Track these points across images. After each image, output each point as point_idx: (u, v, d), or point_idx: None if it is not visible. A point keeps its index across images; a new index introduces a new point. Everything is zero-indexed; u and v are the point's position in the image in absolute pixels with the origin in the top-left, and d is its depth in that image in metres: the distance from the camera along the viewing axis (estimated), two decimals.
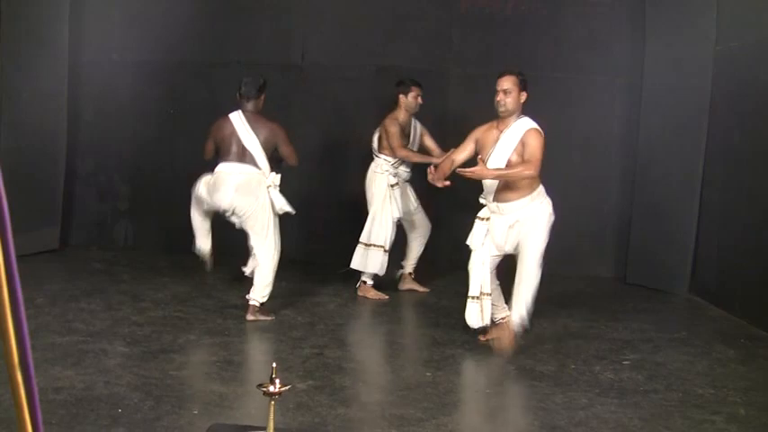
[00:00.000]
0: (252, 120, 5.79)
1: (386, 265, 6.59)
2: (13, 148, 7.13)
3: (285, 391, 2.70)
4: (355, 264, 6.61)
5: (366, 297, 6.62)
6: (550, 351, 5.34)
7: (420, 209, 6.93)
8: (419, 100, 6.69)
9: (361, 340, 5.43)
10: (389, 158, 6.69)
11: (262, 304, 5.76)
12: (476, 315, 5.30)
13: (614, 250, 8.00)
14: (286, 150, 5.85)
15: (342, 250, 6.83)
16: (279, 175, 5.80)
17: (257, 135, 5.76)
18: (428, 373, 4.79)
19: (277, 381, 2.67)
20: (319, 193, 8.04)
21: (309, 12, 8.14)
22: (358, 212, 7.54)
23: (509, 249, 5.25)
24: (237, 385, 4.34)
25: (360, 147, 7.71)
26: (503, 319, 5.42)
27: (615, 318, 6.33)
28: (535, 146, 5.04)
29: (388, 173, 6.68)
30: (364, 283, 6.69)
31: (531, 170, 5.00)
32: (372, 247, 6.57)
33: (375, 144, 6.80)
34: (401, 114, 6.69)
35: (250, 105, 5.82)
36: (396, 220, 6.65)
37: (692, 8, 7.09)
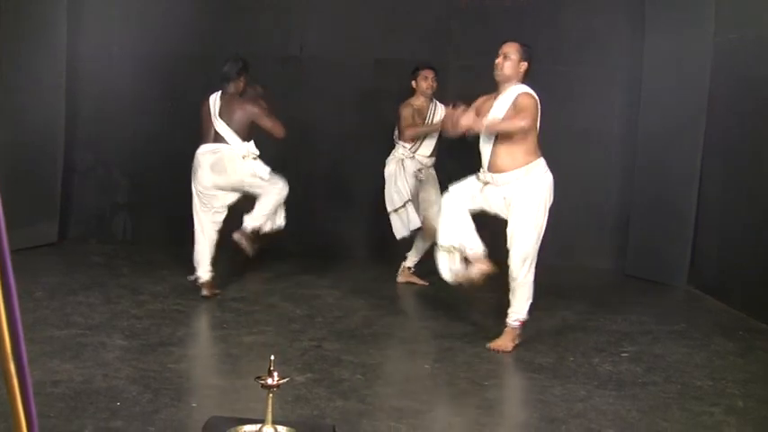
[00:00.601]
0: (227, 101, 6.02)
1: (408, 222, 6.61)
2: (11, 143, 7.11)
3: (283, 383, 2.71)
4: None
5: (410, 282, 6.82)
6: (549, 343, 5.34)
7: (436, 198, 6.68)
8: (430, 82, 6.64)
9: (359, 333, 5.43)
10: (407, 144, 6.67)
11: (253, 232, 5.97)
12: (445, 266, 5.21)
13: (613, 242, 8.00)
14: (266, 124, 5.99)
15: (340, 242, 6.84)
16: (251, 143, 5.97)
17: (230, 115, 5.97)
18: (427, 366, 4.79)
19: (275, 373, 2.68)
20: (318, 185, 8.04)
21: (308, 5, 8.13)
22: (357, 205, 7.55)
23: (500, 213, 5.11)
24: (236, 378, 4.34)
25: (359, 139, 7.72)
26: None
27: (614, 310, 6.34)
28: (526, 103, 4.94)
29: (405, 158, 6.65)
30: (408, 269, 6.85)
31: (522, 121, 4.86)
32: (392, 214, 6.63)
33: (396, 132, 6.79)
34: (417, 99, 6.68)
35: (230, 87, 6.03)
36: (405, 196, 6.60)
37: (691, 2, 7.08)
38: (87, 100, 8.18)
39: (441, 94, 7.95)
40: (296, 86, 8.07)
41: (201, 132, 6.10)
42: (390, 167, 6.70)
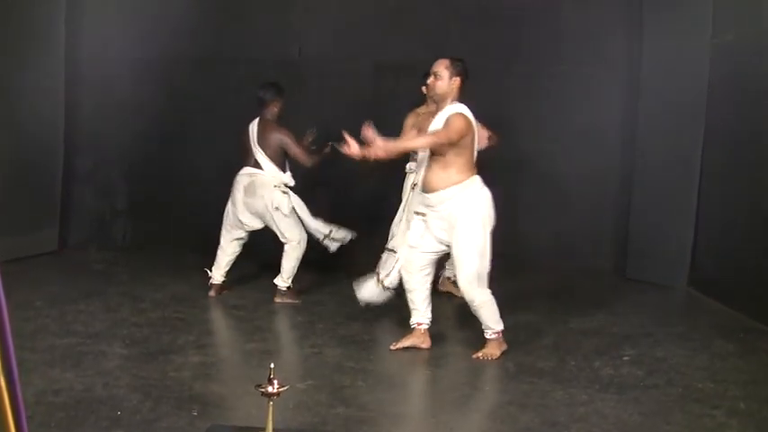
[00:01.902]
0: (262, 126, 6.28)
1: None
2: (10, 150, 7.10)
3: (283, 391, 2.71)
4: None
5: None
6: (550, 347, 5.34)
7: None
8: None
9: (360, 339, 5.42)
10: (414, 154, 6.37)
11: (288, 288, 6.27)
12: (369, 291, 5.29)
13: (613, 244, 8.00)
14: (293, 153, 6.24)
15: (340, 248, 6.81)
16: (287, 174, 6.26)
17: (265, 140, 6.24)
18: (427, 371, 4.79)
19: (275, 381, 2.67)
20: (318, 190, 8.03)
21: (307, 8, 8.14)
22: (356, 211, 7.54)
23: (447, 239, 4.98)
24: (237, 385, 4.34)
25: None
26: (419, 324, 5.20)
27: (614, 312, 6.33)
28: (450, 122, 4.85)
29: (411, 172, 6.26)
30: (449, 279, 6.61)
31: (434, 138, 4.81)
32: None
33: None
34: (428, 106, 6.29)
35: (266, 113, 6.32)
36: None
37: (690, 2, 7.09)
38: (86, 106, 8.17)
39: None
40: (294, 90, 8.05)
41: (242, 155, 6.37)
42: (404, 190, 6.36)
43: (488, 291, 4.98)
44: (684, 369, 4.92)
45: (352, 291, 6.63)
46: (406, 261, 5.12)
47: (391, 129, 7.03)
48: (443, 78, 4.99)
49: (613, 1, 7.90)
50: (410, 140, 4.93)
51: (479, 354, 5.02)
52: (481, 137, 5.46)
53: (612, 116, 7.94)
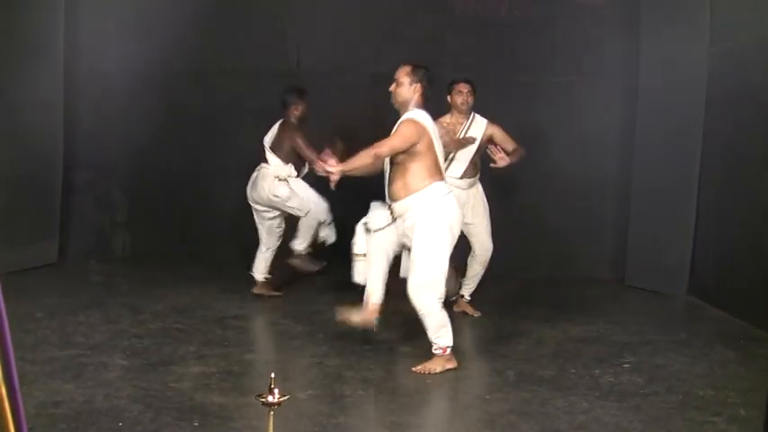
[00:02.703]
0: (282, 127, 6.67)
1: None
2: (9, 162, 7.12)
3: (284, 401, 2.70)
4: None
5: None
6: (550, 355, 5.34)
7: (484, 223, 6.31)
8: (465, 97, 6.20)
9: (360, 348, 5.42)
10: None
11: (303, 254, 6.63)
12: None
13: (612, 252, 8.00)
14: (305, 155, 6.51)
15: (340, 257, 6.80)
16: (289, 166, 6.56)
17: (280, 139, 6.61)
18: (428, 380, 4.79)
19: (276, 391, 2.68)
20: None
21: (304, 18, 8.16)
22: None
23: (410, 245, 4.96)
24: (237, 396, 4.33)
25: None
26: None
27: (614, 320, 6.33)
28: (397, 129, 4.86)
29: None
30: (462, 297, 6.49)
31: (377, 149, 4.78)
32: None
33: None
34: (450, 116, 6.24)
35: (287, 115, 6.70)
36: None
37: (686, 9, 7.11)
38: (85, 118, 8.19)
39: (437, 108, 7.94)
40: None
41: (260, 153, 6.69)
42: None
43: (439, 302, 4.85)
44: (685, 376, 4.92)
45: (352, 299, 6.66)
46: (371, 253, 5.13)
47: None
48: (404, 85, 4.99)
49: (611, 10, 7.92)
50: (358, 157, 4.86)
51: (419, 367, 4.92)
52: (499, 149, 5.79)
53: (611, 125, 7.95)
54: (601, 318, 6.40)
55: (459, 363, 5.04)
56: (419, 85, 4.96)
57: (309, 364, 5.01)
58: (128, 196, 8.40)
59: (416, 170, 4.84)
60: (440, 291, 4.82)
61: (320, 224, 6.63)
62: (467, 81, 6.28)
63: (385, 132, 7.10)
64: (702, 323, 6.39)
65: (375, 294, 5.08)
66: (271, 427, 2.69)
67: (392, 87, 5.05)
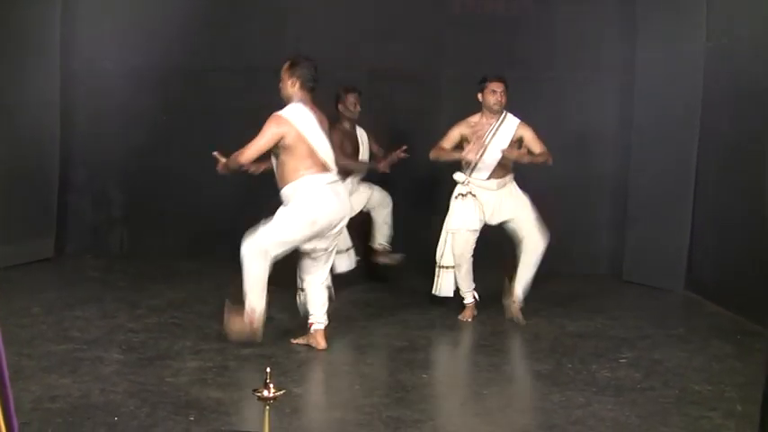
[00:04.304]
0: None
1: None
2: (7, 159, 7.11)
3: (280, 395, 2.71)
4: None
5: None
6: (547, 350, 5.34)
7: (525, 217, 6.06)
8: (498, 96, 5.88)
9: (357, 343, 5.42)
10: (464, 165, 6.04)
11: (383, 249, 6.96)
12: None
13: (610, 248, 8.00)
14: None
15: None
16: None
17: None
18: (425, 375, 4.79)
19: (272, 385, 2.67)
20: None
21: (302, 16, 8.14)
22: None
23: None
24: (234, 390, 4.33)
25: None
26: None
27: (611, 316, 6.33)
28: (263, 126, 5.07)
29: (459, 182, 6.04)
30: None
31: (249, 146, 5.02)
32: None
33: None
34: (477, 115, 6.00)
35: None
36: (466, 231, 5.99)
37: (683, 5, 7.10)
38: (82, 115, 8.18)
39: (436, 103, 7.98)
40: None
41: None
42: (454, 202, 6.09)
43: (262, 266, 4.97)
44: (682, 371, 4.92)
45: (348, 294, 6.68)
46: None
47: (387, 135, 7.08)
48: (284, 81, 5.13)
49: (607, 7, 7.91)
50: (231, 159, 5.05)
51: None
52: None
53: (608, 121, 7.94)
54: (598, 313, 6.40)
55: (455, 358, 5.04)
56: (297, 80, 5.08)
57: (305, 358, 5.00)
58: (124, 192, 8.39)
59: (290, 163, 4.98)
60: (265, 246, 4.93)
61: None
62: (500, 79, 5.92)
63: (385, 128, 7.15)
64: (699, 318, 6.40)
65: (259, 303, 5.09)
66: (267, 422, 2.69)
67: (279, 85, 5.19)
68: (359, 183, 6.79)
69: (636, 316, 6.36)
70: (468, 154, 5.86)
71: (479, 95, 5.96)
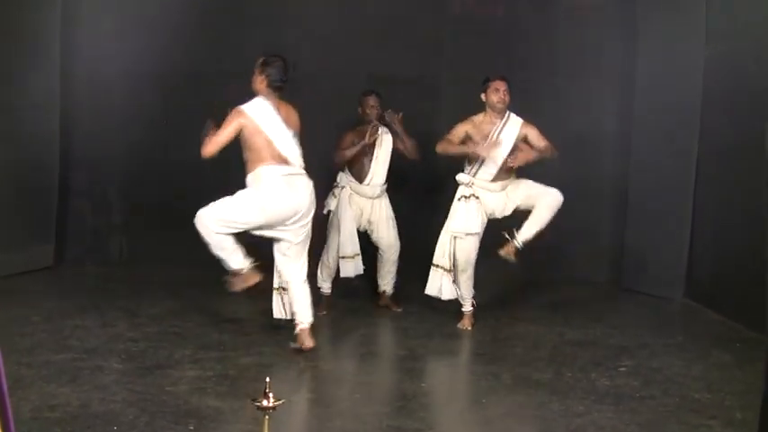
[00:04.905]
0: None
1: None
2: (5, 165, 7.10)
3: (279, 405, 2.70)
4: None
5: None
6: (546, 359, 5.34)
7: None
8: (501, 95, 5.94)
9: (356, 352, 5.43)
10: (468, 166, 6.06)
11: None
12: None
13: (609, 255, 8.01)
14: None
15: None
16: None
17: None
18: (424, 384, 4.78)
19: (271, 395, 2.68)
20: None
21: (302, 20, 8.15)
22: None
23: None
24: (233, 400, 4.33)
25: None
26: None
27: (611, 324, 6.34)
28: None
29: (462, 184, 6.05)
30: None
31: (203, 149, 5.31)
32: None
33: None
34: (481, 115, 6.04)
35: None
36: (468, 235, 5.98)
37: (683, 10, 7.12)
38: (82, 121, 8.17)
39: (435, 108, 7.99)
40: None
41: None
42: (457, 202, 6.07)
43: (215, 236, 5.20)
44: (681, 379, 4.92)
45: (348, 303, 6.67)
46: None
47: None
48: (254, 76, 5.33)
49: (608, 11, 7.93)
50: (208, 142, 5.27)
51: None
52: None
53: (608, 127, 7.96)
54: (597, 321, 6.40)
55: (454, 367, 5.03)
56: (265, 78, 5.29)
57: (305, 367, 5.00)
58: (125, 199, 8.39)
59: (250, 156, 5.23)
60: (205, 221, 5.23)
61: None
62: (503, 78, 5.99)
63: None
64: (699, 326, 6.40)
65: (235, 259, 5.26)
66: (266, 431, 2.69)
67: None
68: (383, 190, 6.65)
69: (635, 324, 6.36)
70: (482, 150, 5.86)
71: (483, 95, 6.01)
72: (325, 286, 6.54)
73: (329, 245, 6.45)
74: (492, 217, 6.09)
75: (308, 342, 5.21)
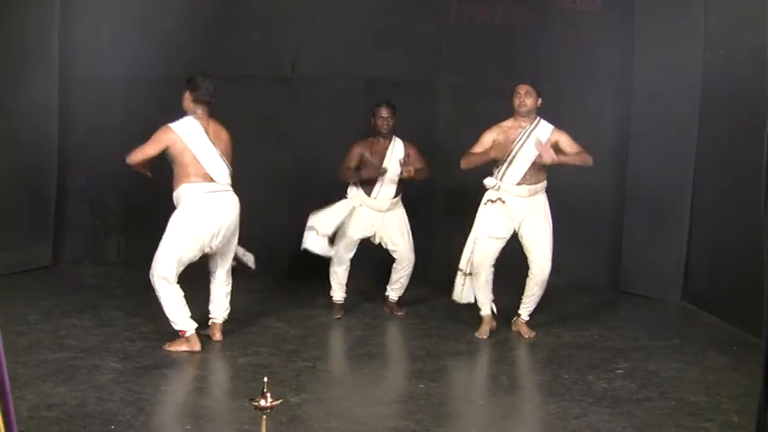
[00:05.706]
0: None
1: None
2: (4, 166, 7.11)
3: (277, 405, 2.71)
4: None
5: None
6: (544, 361, 5.34)
7: (543, 240, 6.14)
8: (522, 98, 5.84)
9: (354, 353, 5.42)
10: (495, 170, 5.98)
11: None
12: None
13: (607, 258, 8.00)
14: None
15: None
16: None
17: None
18: (421, 385, 4.78)
19: (268, 395, 2.68)
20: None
21: (299, 24, 8.15)
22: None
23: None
24: (230, 400, 4.34)
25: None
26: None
27: (608, 326, 6.34)
28: None
29: (489, 188, 5.95)
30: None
31: (129, 156, 5.48)
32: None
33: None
34: (510, 120, 5.95)
35: None
36: (491, 238, 5.91)
37: (681, 16, 7.12)
38: (80, 123, 8.17)
39: (432, 112, 7.98)
40: (288, 106, 8.08)
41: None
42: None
43: (163, 282, 5.27)
44: (678, 382, 4.93)
45: (346, 303, 6.67)
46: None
47: None
48: (183, 95, 5.44)
49: (606, 17, 7.92)
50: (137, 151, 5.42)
51: (167, 345, 5.29)
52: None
53: (606, 131, 7.95)
54: (594, 323, 6.41)
55: (452, 368, 5.03)
56: (191, 95, 5.41)
57: (302, 368, 5.00)
58: (122, 200, 8.38)
59: (177, 172, 5.38)
60: (163, 273, 5.25)
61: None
62: (525, 82, 5.92)
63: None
64: (696, 329, 6.40)
65: (183, 320, 5.40)
66: None
67: None
68: (393, 204, 6.51)
69: (632, 326, 6.36)
70: (493, 151, 5.82)
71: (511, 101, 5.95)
72: (337, 296, 6.49)
73: (337, 255, 6.42)
74: (517, 225, 6.00)
75: (218, 335, 5.55)
